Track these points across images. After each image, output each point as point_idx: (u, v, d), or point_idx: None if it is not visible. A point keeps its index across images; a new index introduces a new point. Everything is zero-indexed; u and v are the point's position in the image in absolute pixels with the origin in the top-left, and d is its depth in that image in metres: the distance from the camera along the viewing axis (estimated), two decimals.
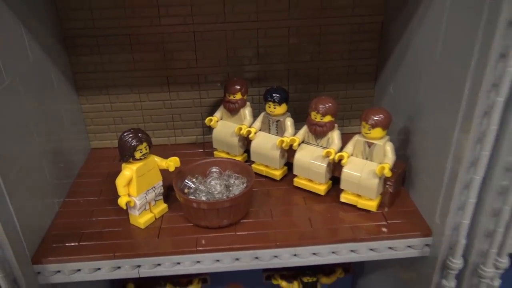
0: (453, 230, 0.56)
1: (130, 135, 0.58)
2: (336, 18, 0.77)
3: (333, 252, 0.61)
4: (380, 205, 0.65)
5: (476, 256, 0.57)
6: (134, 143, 0.58)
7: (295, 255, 0.61)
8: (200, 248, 0.60)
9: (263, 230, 0.63)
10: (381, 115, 0.60)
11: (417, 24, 0.64)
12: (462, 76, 0.51)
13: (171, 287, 0.87)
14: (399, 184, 0.67)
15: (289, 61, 0.80)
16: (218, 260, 0.61)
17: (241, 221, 0.64)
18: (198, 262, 0.61)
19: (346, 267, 0.92)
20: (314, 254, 0.61)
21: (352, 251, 0.62)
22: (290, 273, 0.90)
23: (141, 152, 0.59)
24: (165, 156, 0.65)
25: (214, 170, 0.68)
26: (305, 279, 0.88)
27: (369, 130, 0.61)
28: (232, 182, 0.66)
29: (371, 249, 0.62)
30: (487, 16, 0.45)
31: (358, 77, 0.83)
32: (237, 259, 0.61)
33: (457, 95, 0.52)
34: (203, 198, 0.63)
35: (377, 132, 0.61)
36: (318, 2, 0.76)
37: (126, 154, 0.59)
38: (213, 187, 0.65)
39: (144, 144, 0.59)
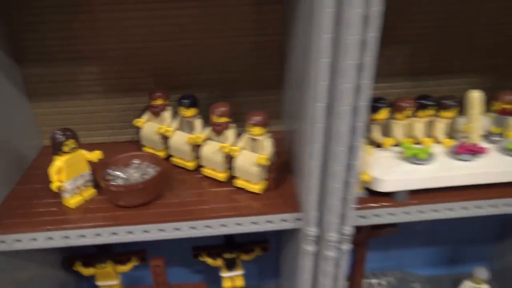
0: (309, 205, 0.72)
1: (60, 133, 0.74)
2: (244, 37, 0.94)
3: (222, 225, 0.78)
4: (266, 189, 0.82)
5: (327, 225, 0.73)
6: (61, 139, 0.74)
7: (192, 227, 0.77)
8: (117, 222, 0.76)
9: (170, 209, 0.79)
10: (259, 117, 0.77)
11: (293, 43, 0.81)
12: (308, 87, 0.67)
13: (112, 263, 1.03)
14: (282, 172, 0.84)
15: (209, 72, 0.97)
16: (131, 232, 0.77)
17: (155, 201, 0.81)
18: (115, 234, 0.77)
19: (264, 246, 1.08)
20: (207, 226, 0.78)
21: (238, 224, 0.78)
22: (215, 251, 1.06)
23: (68, 147, 0.75)
24: (105, 151, 0.82)
25: (135, 161, 0.84)
26: (226, 256, 1.04)
27: (252, 128, 0.78)
28: (148, 171, 0.82)
29: (253, 222, 0.78)
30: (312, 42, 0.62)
31: (267, 85, 0.99)
32: (146, 231, 0.77)
33: (308, 101, 0.68)
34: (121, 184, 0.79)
35: (258, 130, 0.78)
36: (228, 24, 0.92)
37: (56, 148, 0.75)
38: (131, 175, 0.81)
39: (71, 140, 0.75)
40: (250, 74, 0.97)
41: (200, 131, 0.86)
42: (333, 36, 0.57)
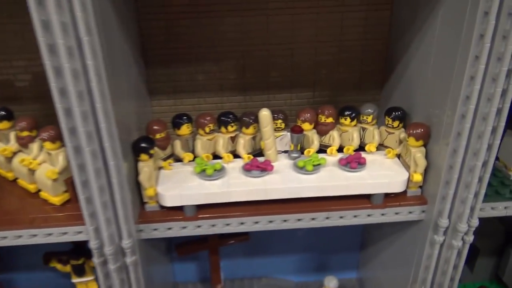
0: (86, 219, 0.75)
1: None
2: None
3: (17, 236, 0.80)
4: (67, 201, 0.84)
5: (105, 239, 0.76)
6: None
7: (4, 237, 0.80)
8: None
9: None
10: (46, 132, 0.79)
11: None
12: None
13: None
14: None
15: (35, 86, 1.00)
16: None
17: None
18: None
19: None
20: (3, 237, 0.80)
21: (33, 235, 0.81)
22: (64, 257, 1.09)
23: None
24: None
25: None
26: (73, 262, 1.07)
27: (44, 143, 0.80)
28: None
29: (48, 234, 0.81)
30: None
31: None
32: None
33: None
34: None
35: (49, 144, 0.80)
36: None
37: None
38: None
39: None
40: None
41: (12, 144, 0.89)
42: (53, 65, 0.60)
